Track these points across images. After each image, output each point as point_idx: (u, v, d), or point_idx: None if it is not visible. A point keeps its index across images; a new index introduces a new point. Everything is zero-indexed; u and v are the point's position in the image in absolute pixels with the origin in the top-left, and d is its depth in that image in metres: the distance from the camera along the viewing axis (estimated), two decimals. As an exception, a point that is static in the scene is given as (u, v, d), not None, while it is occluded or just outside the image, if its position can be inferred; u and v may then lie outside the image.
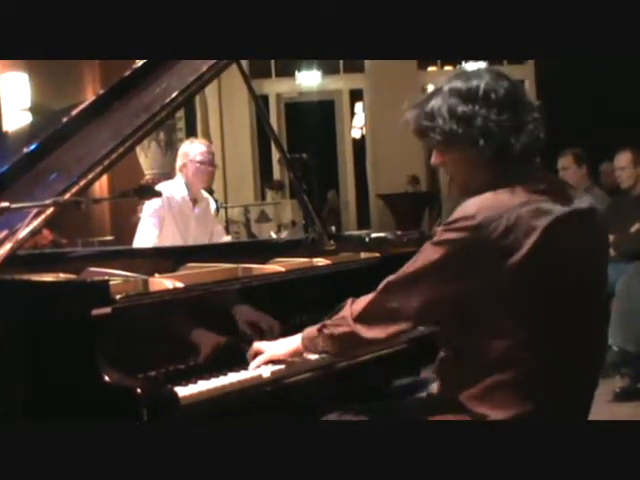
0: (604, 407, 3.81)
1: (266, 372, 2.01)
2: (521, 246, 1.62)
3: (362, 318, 1.78)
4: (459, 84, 1.69)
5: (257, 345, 2.05)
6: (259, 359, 2.01)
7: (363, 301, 1.81)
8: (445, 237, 1.68)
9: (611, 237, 4.64)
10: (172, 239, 3.79)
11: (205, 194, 4.16)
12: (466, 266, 1.65)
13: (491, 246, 1.62)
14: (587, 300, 1.73)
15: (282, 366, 2.03)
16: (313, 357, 2.06)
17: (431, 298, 1.70)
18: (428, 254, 1.70)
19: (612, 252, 4.64)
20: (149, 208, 3.83)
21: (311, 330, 1.92)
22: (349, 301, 1.85)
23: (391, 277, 1.77)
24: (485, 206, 1.65)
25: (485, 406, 1.69)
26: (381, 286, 1.78)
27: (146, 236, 3.81)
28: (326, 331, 1.86)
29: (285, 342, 2.00)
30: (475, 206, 1.66)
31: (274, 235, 5.97)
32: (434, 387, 1.86)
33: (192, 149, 3.96)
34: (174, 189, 3.93)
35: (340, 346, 1.87)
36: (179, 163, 3.99)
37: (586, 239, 1.72)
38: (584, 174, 5.15)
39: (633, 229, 4.58)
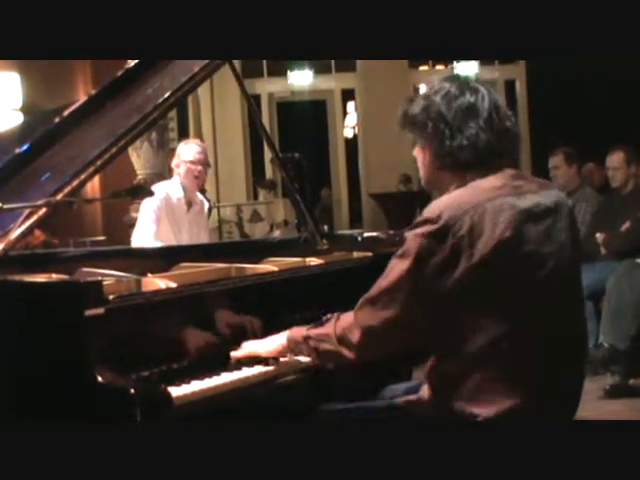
0: (594, 404, 3.82)
1: (259, 372, 2.01)
2: (488, 240, 1.65)
3: (345, 340, 1.79)
4: (437, 86, 1.81)
5: (245, 344, 2.07)
6: (239, 352, 2.03)
7: (346, 320, 1.81)
8: (411, 245, 1.69)
9: (602, 236, 4.67)
10: (165, 239, 3.79)
11: (200, 196, 4.16)
12: (437, 268, 1.67)
13: (458, 244, 1.65)
14: (559, 292, 1.76)
15: (275, 367, 2.04)
16: (304, 359, 2.07)
17: (409, 307, 1.70)
18: (399, 266, 1.71)
19: (603, 250, 4.67)
20: (148, 205, 3.82)
21: (296, 334, 1.93)
22: (335, 315, 1.85)
23: (367, 294, 1.78)
24: (450, 205, 1.69)
25: (473, 405, 1.71)
26: (358, 305, 1.79)
27: (146, 231, 3.80)
28: (311, 343, 1.87)
29: (271, 340, 2.02)
30: (439, 207, 1.70)
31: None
32: (425, 390, 1.87)
33: (184, 150, 3.97)
34: (170, 190, 3.93)
35: (324, 360, 1.90)
36: (173, 163, 4.01)
37: (553, 233, 1.74)
38: (574, 173, 5.17)
39: (623, 228, 4.60)
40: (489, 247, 1.65)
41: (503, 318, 1.68)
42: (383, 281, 1.75)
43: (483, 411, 1.70)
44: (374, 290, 1.76)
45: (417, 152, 1.84)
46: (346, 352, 1.79)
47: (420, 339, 1.80)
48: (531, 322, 1.71)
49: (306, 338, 1.89)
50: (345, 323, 1.80)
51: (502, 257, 1.66)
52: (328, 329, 1.83)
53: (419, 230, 1.69)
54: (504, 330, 1.68)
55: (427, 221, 1.68)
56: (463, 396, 1.72)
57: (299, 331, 1.93)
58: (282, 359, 2.06)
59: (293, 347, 1.94)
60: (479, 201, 1.68)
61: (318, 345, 1.85)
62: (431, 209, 1.70)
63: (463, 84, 1.78)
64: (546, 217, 1.74)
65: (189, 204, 3.99)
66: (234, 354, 2.05)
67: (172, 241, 3.80)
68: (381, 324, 1.73)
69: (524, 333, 1.70)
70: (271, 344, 2.01)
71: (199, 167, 3.92)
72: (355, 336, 1.77)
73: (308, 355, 1.92)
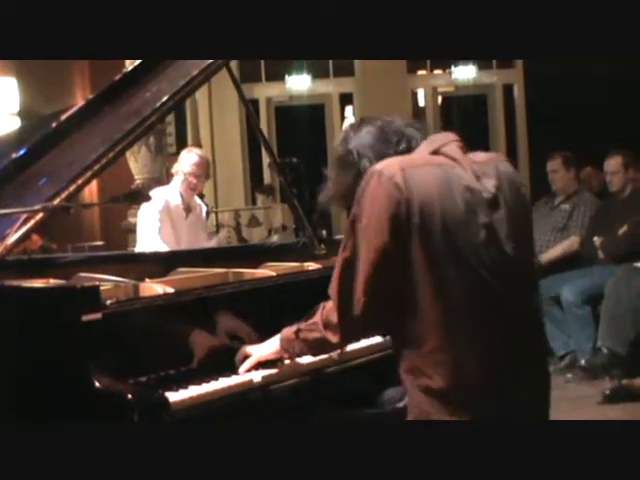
0: (594, 409, 3.83)
1: (257, 377, 2.01)
2: (419, 201, 1.63)
3: (329, 323, 1.78)
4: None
5: (244, 349, 2.06)
6: (248, 362, 2.02)
7: (329, 304, 1.80)
8: (361, 207, 1.67)
9: (600, 240, 4.68)
10: (166, 245, 3.77)
11: (198, 200, 4.16)
12: (389, 224, 1.64)
13: (397, 195, 1.63)
14: (507, 275, 1.69)
15: (272, 371, 2.04)
16: (303, 361, 2.07)
17: (378, 275, 1.66)
18: (357, 234, 1.69)
19: (601, 255, 4.67)
20: (150, 207, 3.80)
21: (288, 332, 1.93)
22: (321, 304, 1.84)
23: (335, 273, 1.75)
24: (385, 165, 1.69)
25: (431, 404, 1.68)
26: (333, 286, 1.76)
27: (152, 230, 3.78)
28: (301, 335, 1.88)
29: (268, 343, 2.02)
30: (377, 170, 1.68)
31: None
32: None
33: (184, 158, 3.97)
34: (169, 196, 3.93)
35: (315, 350, 1.90)
36: (173, 169, 4.01)
37: (492, 214, 1.70)
38: (572, 177, 5.17)
39: (621, 232, 4.60)
40: (426, 208, 1.63)
41: (443, 296, 1.64)
42: (341, 255, 1.72)
43: (441, 412, 1.66)
44: (338, 268, 1.74)
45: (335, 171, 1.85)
46: (331, 336, 1.77)
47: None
48: (480, 304, 1.66)
49: (297, 332, 1.89)
50: (328, 307, 1.80)
51: (438, 219, 1.63)
52: (316, 318, 1.83)
53: (362, 198, 1.68)
54: (443, 311, 1.64)
55: (366, 182, 1.68)
56: (422, 392, 1.69)
57: (290, 329, 1.93)
58: (280, 363, 2.05)
59: (287, 346, 1.93)
60: (415, 163, 1.69)
61: (307, 336, 1.85)
62: (371, 170, 1.70)
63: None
64: (481, 195, 1.70)
65: (187, 210, 3.98)
66: (243, 367, 2.03)
67: (172, 246, 3.79)
68: (354, 298, 1.69)
69: (462, 314, 1.65)
70: (268, 348, 2.01)
71: (194, 180, 3.91)
72: (334, 317, 1.75)
73: (301, 351, 1.91)
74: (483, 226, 1.68)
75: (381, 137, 1.81)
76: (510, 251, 1.69)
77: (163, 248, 3.62)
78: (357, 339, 1.93)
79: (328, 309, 1.79)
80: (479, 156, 1.80)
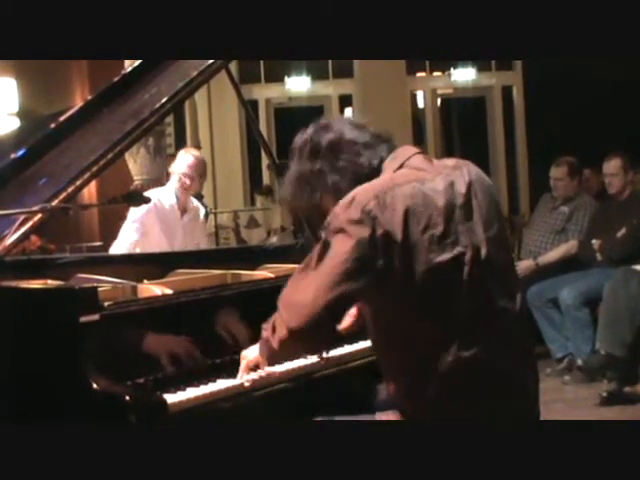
0: (591, 411, 3.84)
1: (255, 379, 2.00)
2: (396, 224, 1.65)
3: (276, 329, 1.74)
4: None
5: (242, 354, 2.01)
6: (241, 368, 1.98)
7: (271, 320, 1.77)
8: (332, 226, 1.68)
9: (598, 242, 4.68)
10: (158, 246, 3.77)
11: (195, 202, 4.15)
12: (368, 252, 1.65)
13: (372, 222, 1.64)
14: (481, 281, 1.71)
15: (263, 374, 2.02)
16: (295, 365, 2.07)
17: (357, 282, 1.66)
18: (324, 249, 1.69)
19: (599, 257, 4.68)
20: (134, 213, 3.82)
21: (260, 341, 1.86)
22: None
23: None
24: (359, 191, 1.70)
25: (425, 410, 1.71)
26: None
27: (125, 241, 3.79)
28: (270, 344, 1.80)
29: (254, 347, 1.95)
30: (351, 195, 1.70)
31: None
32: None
33: (180, 159, 3.98)
34: (163, 196, 3.92)
35: (281, 355, 1.85)
36: (170, 169, 4.02)
37: (462, 215, 1.72)
38: (575, 185, 5.17)
39: (620, 234, 4.61)
40: (399, 232, 1.64)
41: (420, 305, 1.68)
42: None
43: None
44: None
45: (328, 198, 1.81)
46: (273, 341, 1.74)
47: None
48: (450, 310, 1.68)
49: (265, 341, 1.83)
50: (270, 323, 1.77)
51: (412, 236, 1.65)
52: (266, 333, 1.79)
53: (334, 225, 1.68)
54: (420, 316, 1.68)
55: (340, 211, 1.68)
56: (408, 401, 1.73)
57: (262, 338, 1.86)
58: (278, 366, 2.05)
59: (260, 349, 1.87)
60: (389, 186, 1.70)
61: (262, 334, 1.80)
62: (343, 200, 1.70)
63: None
64: (455, 202, 1.72)
65: (183, 210, 3.98)
66: (240, 373, 1.98)
67: (165, 248, 3.78)
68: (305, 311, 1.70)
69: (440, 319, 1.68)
70: (252, 352, 1.95)
71: (187, 181, 3.93)
72: (282, 329, 1.72)
73: (269, 355, 1.84)
74: (462, 233, 1.70)
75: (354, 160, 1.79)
76: (485, 253, 1.72)
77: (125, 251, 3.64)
78: (299, 350, 1.91)
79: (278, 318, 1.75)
80: (448, 161, 1.83)
